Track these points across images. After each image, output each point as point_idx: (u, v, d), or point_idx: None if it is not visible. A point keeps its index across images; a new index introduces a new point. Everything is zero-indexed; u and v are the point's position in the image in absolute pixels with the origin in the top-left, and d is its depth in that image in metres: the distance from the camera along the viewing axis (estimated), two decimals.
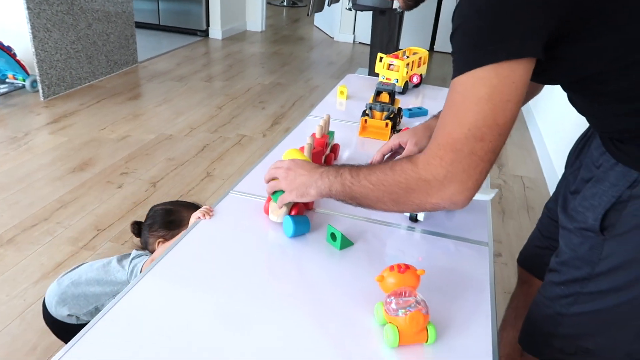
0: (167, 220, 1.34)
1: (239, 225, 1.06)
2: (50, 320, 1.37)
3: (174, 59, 4.74)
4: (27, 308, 1.69)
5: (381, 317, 0.80)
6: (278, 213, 1.05)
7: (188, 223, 1.19)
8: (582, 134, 1.01)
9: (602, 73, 0.73)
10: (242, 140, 3.11)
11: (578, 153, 0.99)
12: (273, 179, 0.99)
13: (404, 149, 1.17)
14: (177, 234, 1.25)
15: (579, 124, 0.97)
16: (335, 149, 1.40)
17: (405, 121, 1.70)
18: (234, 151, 2.97)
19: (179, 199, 1.49)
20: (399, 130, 1.55)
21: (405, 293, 0.80)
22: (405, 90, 1.98)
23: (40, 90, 3.51)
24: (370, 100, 1.64)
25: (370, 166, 0.84)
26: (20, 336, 1.58)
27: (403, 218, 1.12)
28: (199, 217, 1.06)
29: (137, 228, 1.40)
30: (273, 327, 0.80)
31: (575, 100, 0.86)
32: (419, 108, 1.79)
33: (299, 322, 0.81)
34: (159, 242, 1.33)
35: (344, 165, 0.87)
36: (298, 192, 0.91)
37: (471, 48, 0.69)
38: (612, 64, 0.72)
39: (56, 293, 1.32)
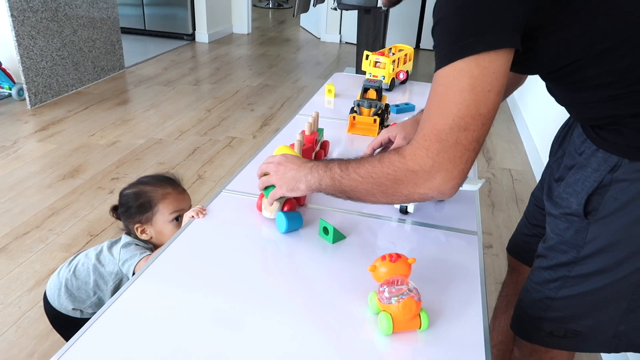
0: (138, 205, 1.23)
1: (232, 223, 1.08)
2: (53, 314, 1.34)
3: (161, 64, 4.74)
4: (22, 315, 1.69)
5: (375, 306, 0.82)
6: (271, 209, 1.07)
7: (162, 199, 1.19)
8: (564, 123, 1.04)
9: (577, 61, 0.76)
10: (232, 142, 3.12)
11: (561, 141, 1.01)
12: (265, 174, 1.00)
13: (393, 142, 1.19)
14: (153, 215, 1.21)
15: (563, 115, 1.00)
16: (325, 145, 1.41)
17: (393, 117, 1.72)
18: (224, 153, 2.98)
19: (148, 174, 1.35)
20: (388, 126, 1.57)
21: (397, 281, 0.82)
22: (392, 87, 2.00)
23: (27, 99, 3.49)
24: (358, 98, 1.66)
25: (359, 159, 0.85)
26: (16, 343, 1.58)
27: (394, 211, 1.14)
28: (192, 217, 1.07)
29: (117, 213, 1.31)
30: (269, 322, 0.81)
31: (554, 89, 0.89)
32: (406, 104, 1.81)
33: (294, 315, 0.83)
34: (137, 228, 1.24)
35: (333, 160, 0.89)
36: (288, 186, 0.93)
37: (451, 41, 0.71)
38: (585, 52, 0.75)
39: (57, 285, 1.30)
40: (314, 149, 1.30)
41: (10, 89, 3.60)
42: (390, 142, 1.20)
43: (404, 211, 1.14)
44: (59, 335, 1.60)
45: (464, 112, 0.70)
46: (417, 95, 2.01)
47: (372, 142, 1.22)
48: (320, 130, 1.38)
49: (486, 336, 0.80)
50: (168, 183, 1.24)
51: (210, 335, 0.78)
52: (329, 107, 1.84)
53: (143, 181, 1.26)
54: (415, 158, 0.75)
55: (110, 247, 1.27)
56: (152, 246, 1.27)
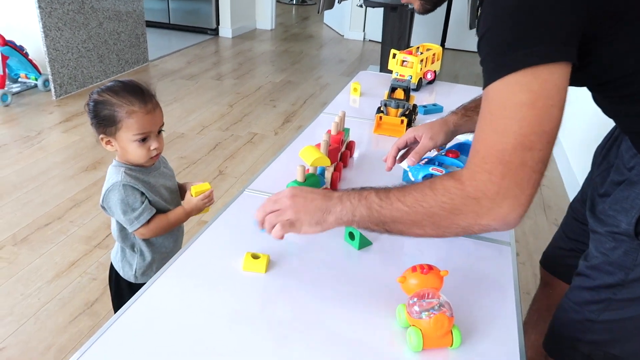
0: (101, 117, 1.07)
1: (250, 226, 1.05)
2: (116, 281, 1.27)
3: (185, 58, 4.74)
4: (41, 307, 1.69)
5: (404, 319, 0.78)
6: None
7: (127, 116, 1.05)
8: (609, 134, 0.98)
9: (629, 75, 0.71)
10: (253, 139, 3.10)
11: (605, 153, 0.95)
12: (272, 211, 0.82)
13: (418, 143, 1.15)
14: (116, 131, 1.06)
15: (594, 123, 0.94)
16: (350, 146, 1.38)
17: (420, 118, 1.67)
18: (245, 149, 2.95)
19: (122, 80, 1.13)
20: None
21: (428, 295, 0.78)
22: (419, 87, 1.95)
23: (52, 90, 3.52)
24: (385, 97, 1.61)
25: (402, 187, 0.75)
26: (34, 335, 1.58)
27: None
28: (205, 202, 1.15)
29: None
30: (290, 330, 0.78)
31: (602, 101, 0.83)
32: (434, 105, 1.76)
33: (317, 324, 0.79)
34: (102, 139, 1.10)
35: (365, 188, 0.78)
36: (311, 219, 0.78)
37: (503, 53, 0.66)
38: (638, 65, 0.70)
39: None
40: (339, 149, 1.27)
41: (36, 79, 3.63)
42: (415, 142, 1.15)
43: None
44: (76, 329, 1.60)
45: (527, 130, 0.63)
46: (445, 96, 1.95)
47: (397, 141, 1.17)
48: (347, 130, 1.34)
49: (522, 356, 0.76)
50: (136, 98, 1.06)
51: (230, 337, 0.75)
52: (354, 105, 1.80)
53: (113, 89, 1.08)
54: (476, 183, 0.67)
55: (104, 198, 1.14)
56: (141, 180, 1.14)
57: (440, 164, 1.15)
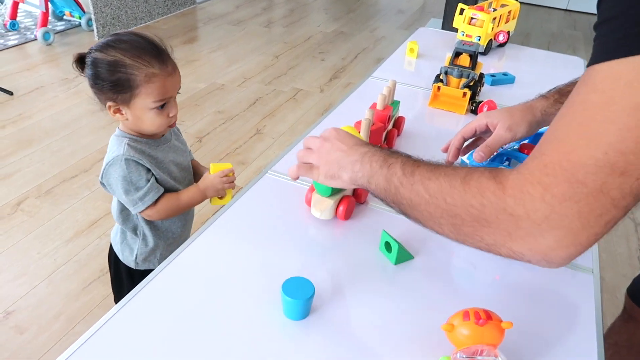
0: (113, 81, 0.88)
1: (272, 217, 0.86)
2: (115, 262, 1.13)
3: (234, 1, 4.49)
4: (56, 269, 1.60)
5: None
6: (322, 208, 0.84)
7: (146, 81, 0.88)
8: None
9: None
10: (297, 95, 2.88)
11: None
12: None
13: (490, 133, 0.90)
14: (131, 98, 0.89)
15: None
16: (399, 123, 1.14)
17: (486, 90, 1.40)
18: (287, 107, 2.74)
19: (130, 31, 0.94)
20: (479, 103, 1.27)
21: (481, 352, 0.58)
22: (487, 50, 1.66)
23: (95, 30, 3.39)
24: (446, 63, 1.35)
25: (434, 165, 0.59)
26: (45, 300, 1.49)
27: None
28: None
29: (80, 66, 0.92)
30: None
31: None
32: (504, 74, 1.48)
33: None
34: (109, 107, 0.91)
35: (396, 153, 0.65)
36: (327, 171, 0.70)
37: (628, 27, 0.42)
38: None
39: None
40: (385, 128, 1.04)
41: (80, 18, 3.51)
42: (487, 131, 0.91)
43: None
44: (88, 297, 1.50)
45: (630, 146, 0.42)
46: (517, 62, 1.65)
47: (464, 127, 0.93)
48: (396, 104, 1.11)
49: None
50: (155, 58, 0.89)
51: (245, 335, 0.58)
52: (409, 69, 1.54)
53: (122, 46, 0.88)
54: (521, 196, 0.48)
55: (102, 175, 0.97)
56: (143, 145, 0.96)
57: (510, 161, 0.91)
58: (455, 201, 0.53)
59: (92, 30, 3.42)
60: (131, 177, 0.93)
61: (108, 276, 1.57)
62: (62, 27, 3.55)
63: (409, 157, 0.63)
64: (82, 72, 0.92)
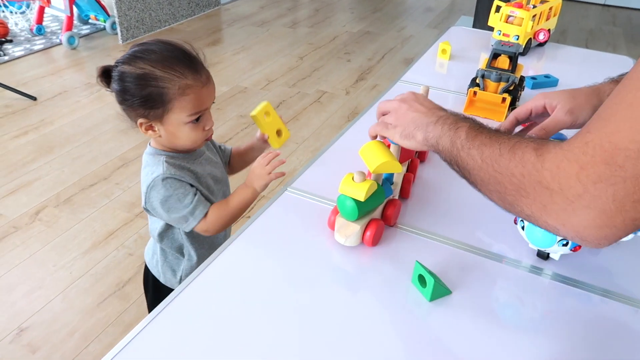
0: (144, 96, 0.80)
1: (291, 241, 0.78)
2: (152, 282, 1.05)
3: (258, 2, 4.43)
4: (72, 283, 1.54)
5: None
6: (347, 233, 0.75)
7: (180, 94, 0.80)
8: None
9: None
10: (321, 98, 2.79)
11: None
12: (384, 114, 0.77)
13: (548, 116, 0.80)
14: (164, 114, 0.81)
15: None
16: None
17: (527, 94, 1.28)
18: (311, 110, 2.65)
19: (159, 40, 0.85)
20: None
21: None
22: (526, 50, 1.53)
23: (119, 33, 3.37)
24: (483, 66, 1.24)
25: (493, 133, 0.60)
26: (60, 316, 1.44)
27: (528, 252, 0.77)
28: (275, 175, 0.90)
29: (106, 81, 0.84)
30: None
31: None
32: (547, 76, 1.35)
33: None
34: (140, 124, 0.84)
35: (468, 119, 0.65)
36: (404, 130, 0.70)
37: None
38: None
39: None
40: None
41: (104, 21, 3.50)
42: (544, 113, 0.83)
43: (543, 256, 0.76)
44: (103, 314, 1.44)
45: None
46: (557, 62, 1.52)
47: (518, 108, 0.87)
48: None
49: None
50: (188, 68, 0.81)
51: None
52: (441, 71, 1.43)
53: (151, 57, 0.80)
54: (557, 171, 0.47)
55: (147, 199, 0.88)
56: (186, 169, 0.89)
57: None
58: (501, 168, 0.54)
59: (117, 34, 3.40)
60: (177, 194, 0.85)
61: (123, 291, 1.52)
62: (87, 31, 3.54)
63: (477, 123, 0.63)
64: (108, 87, 0.84)
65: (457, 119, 0.65)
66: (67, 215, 1.82)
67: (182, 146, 0.88)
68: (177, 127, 0.83)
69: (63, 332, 1.39)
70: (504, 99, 1.16)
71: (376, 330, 0.64)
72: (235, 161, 1.07)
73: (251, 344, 0.61)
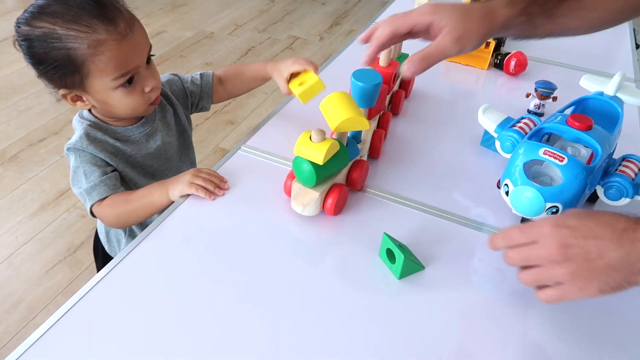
0: (48, 63, 0.65)
1: (242, 207, 0.68)
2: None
3: None
4: (17, 249, 1.42)
5: None
6: (305, 202, 0.64)
7: (92, 54, 0.64)
8: None
9: None
10: (293, 44, 2.61)
11: None
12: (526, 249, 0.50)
13: (433, 39, 0.60)
14: (84, 80, 0.67)
15: None
16: (407, 82, 0.92)
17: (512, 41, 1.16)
18: (283, 57, 2.48)
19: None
20: (505, 55, 1.04)
21: None
22: None
23: None
24: None
25: None
26: (4, 285, 1.32)
27: (510, 219, 0.68)
28: (201, 190, 0.68)
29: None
30: None
31: None
32: None
33: None
34: (65, 96, 0.70)
35: None
36: (601, 283, 0.46)
37: None
38: None
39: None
40: (390, 89, 0.82)
41: None
42: (426, 32, 0.61)
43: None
44: (52, 282, 1.34)
45: None
46: None
47: (398, 18, 0.61)
48: (403, 58, 0.88)
49: None
50: (97, 18, 0.64)
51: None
52: None
53: (49, 10, 0.64)
54: None
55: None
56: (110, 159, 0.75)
57: (550, 138, 0.70)
58: None
59: None
60: (84, 168, 0.72)
61: (74, 257, 1.40)
62: None
63: None
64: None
65: None
66: (12, 174, 1.67)
67: (121, 115, 0.74)
68: (106, 93, 0.69)
69: (7, 303, 1.27)
70: (487, 43, 1.04)
71: (339, 311, 0.54)
72: (230, 85, 0.93)
73: (197, 322, 0.52)
